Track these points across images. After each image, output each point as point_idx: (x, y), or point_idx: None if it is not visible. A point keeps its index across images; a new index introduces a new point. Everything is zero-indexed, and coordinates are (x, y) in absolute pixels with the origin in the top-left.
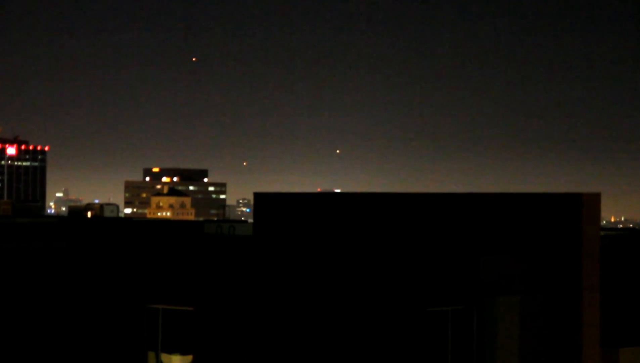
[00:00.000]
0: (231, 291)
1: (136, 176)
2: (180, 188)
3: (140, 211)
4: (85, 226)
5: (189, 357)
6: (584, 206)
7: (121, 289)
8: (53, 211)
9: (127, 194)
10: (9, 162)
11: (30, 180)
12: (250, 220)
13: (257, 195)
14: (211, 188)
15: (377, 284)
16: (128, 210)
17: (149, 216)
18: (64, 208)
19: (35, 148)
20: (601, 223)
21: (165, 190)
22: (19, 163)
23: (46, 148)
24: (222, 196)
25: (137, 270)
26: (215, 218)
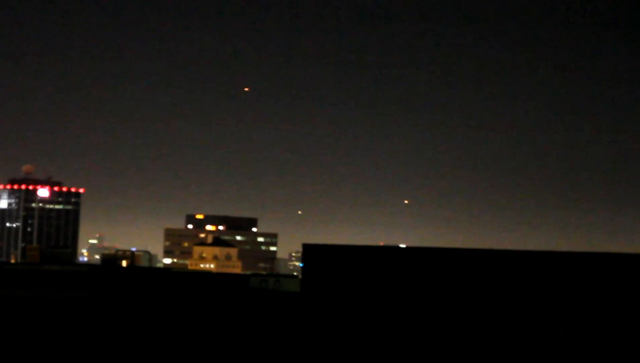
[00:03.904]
0: (269, 350)
1: (178, 223)
2: (226, 237)
3: (181, 261)
4: (116, 275)
5: None
6: None
7: (151, 347)
8: (86, 259)
9: (167, 243)
10: (41, 204)
11: (62, 224)
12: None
13: (306, 246)
14: (260, 239)
15: (435, 349)
16: (168, 260)
17: (190, 267)
18: (97, 256)
19: (69, 190)
20: None
21: (210, 239)
22: (51, 206)
23: (81, 190)
24: (273, 248)
25: (170, 325)
26: (264, 272)
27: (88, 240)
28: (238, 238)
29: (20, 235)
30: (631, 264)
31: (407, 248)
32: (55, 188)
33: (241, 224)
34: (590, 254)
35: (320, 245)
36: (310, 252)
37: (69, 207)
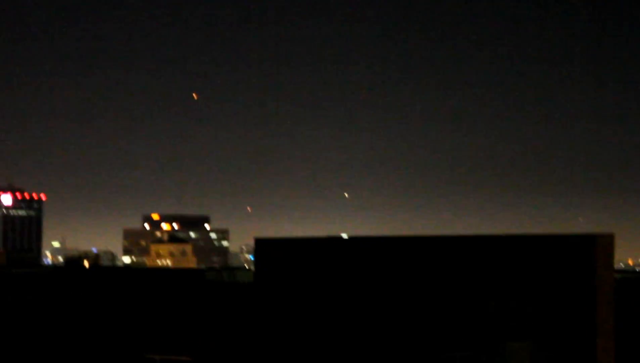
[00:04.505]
0: (229, 340)
1: (135, 223)
2: (180, 235)
3: (139, 259)
4: (81, 275)
5: None
6: (596, 248)
7: (119, 339)
8: (50, 261)
9: (126, 243)
10: (4, 211)
11: (26, 230)
12: (253, 267)
13: (257, 241)
14: (213, 235)
15: (384, 331)
16: (127, 259)
17: (148, 264)
18: (61, 258)
19: (31, 196)
20: (617, 266)
21: (166, 237)
22: (15, 213)
23: (43, 197)
24: (225, 243)
25: (134, 320)
26: (218, 266)
27: (51, 242)
28: (192, 235)
29: None
30: (554, 244)
31: (346, 237)
32: (18, 195)
33: (194, 222)
34: (522, 236)
35: (269, 239)
36: (260, 245)
37: (32, 213)
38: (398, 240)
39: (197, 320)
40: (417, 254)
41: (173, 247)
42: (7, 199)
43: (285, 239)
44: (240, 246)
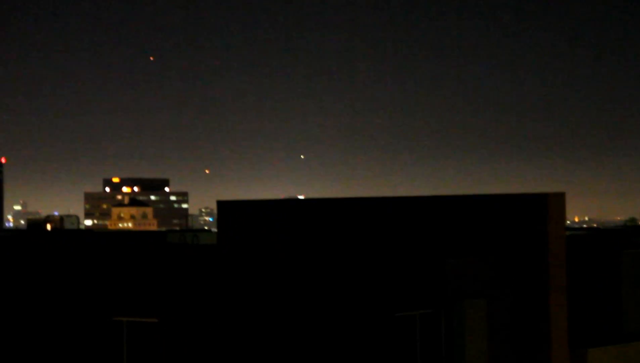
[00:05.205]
0: (196, 301)
1: (96, 187)
2: (141, 198)
3: (101, 222)
4: (45, 238)
5: None
6: (549, 206)
7: (83, 302)
8: (11, 224)
9: (87, 206)
10: None
11: None
12: (214, 229)
13: (220, 203)
14: (173, 198)
15: (343, 290)
16: (89, 222)
17: (110, 227)
18: (22, 221)
19: None
20: (566, 223)
21: (126, 201)
22: None
23: (2, 160)
24: (184, 206)
25: (100, 283)
26: (178, 228)
27: (13, 206)
28: (152, 198)
29: None
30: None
31: (306, 199)
32: None
33: (154, 185)
34: (477, 196)
35: (232, 201)
36: (223, 208)
37: None
38: (355, 201)
39: (163, 282)
40: (375, 215)
41: (134, 210)
42: None
43: (246, 201)
44: (199, 209)
